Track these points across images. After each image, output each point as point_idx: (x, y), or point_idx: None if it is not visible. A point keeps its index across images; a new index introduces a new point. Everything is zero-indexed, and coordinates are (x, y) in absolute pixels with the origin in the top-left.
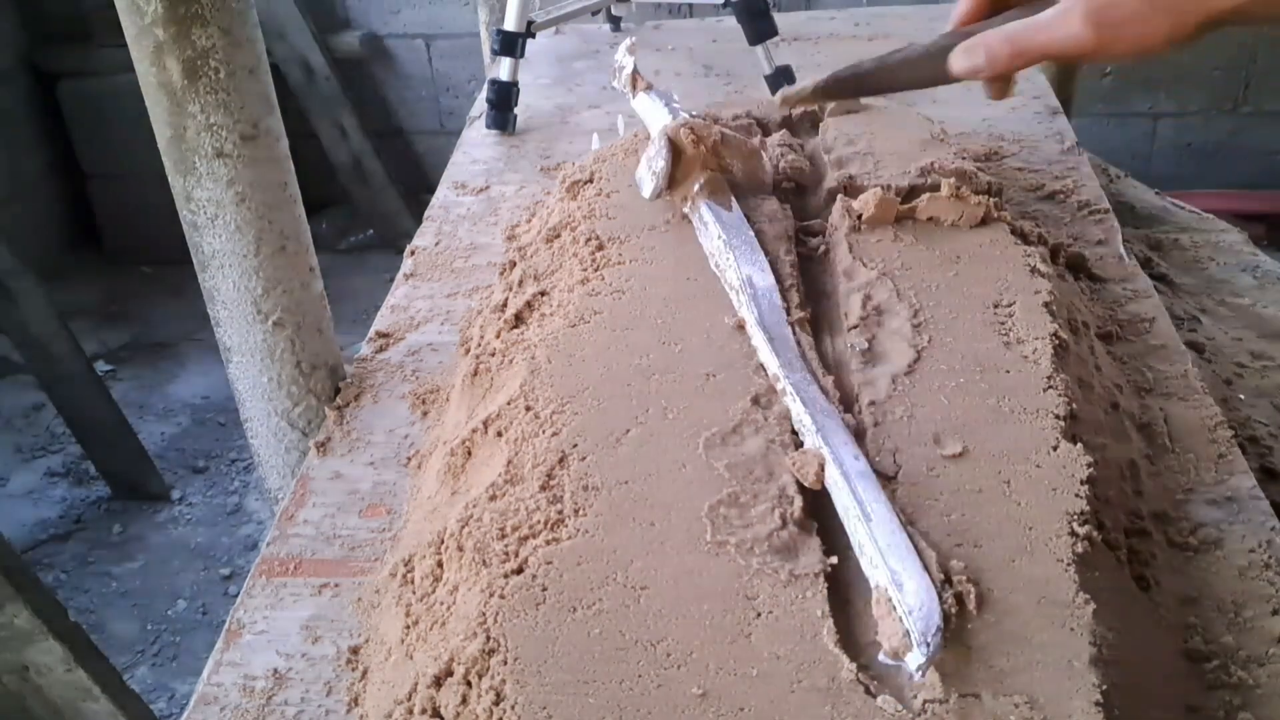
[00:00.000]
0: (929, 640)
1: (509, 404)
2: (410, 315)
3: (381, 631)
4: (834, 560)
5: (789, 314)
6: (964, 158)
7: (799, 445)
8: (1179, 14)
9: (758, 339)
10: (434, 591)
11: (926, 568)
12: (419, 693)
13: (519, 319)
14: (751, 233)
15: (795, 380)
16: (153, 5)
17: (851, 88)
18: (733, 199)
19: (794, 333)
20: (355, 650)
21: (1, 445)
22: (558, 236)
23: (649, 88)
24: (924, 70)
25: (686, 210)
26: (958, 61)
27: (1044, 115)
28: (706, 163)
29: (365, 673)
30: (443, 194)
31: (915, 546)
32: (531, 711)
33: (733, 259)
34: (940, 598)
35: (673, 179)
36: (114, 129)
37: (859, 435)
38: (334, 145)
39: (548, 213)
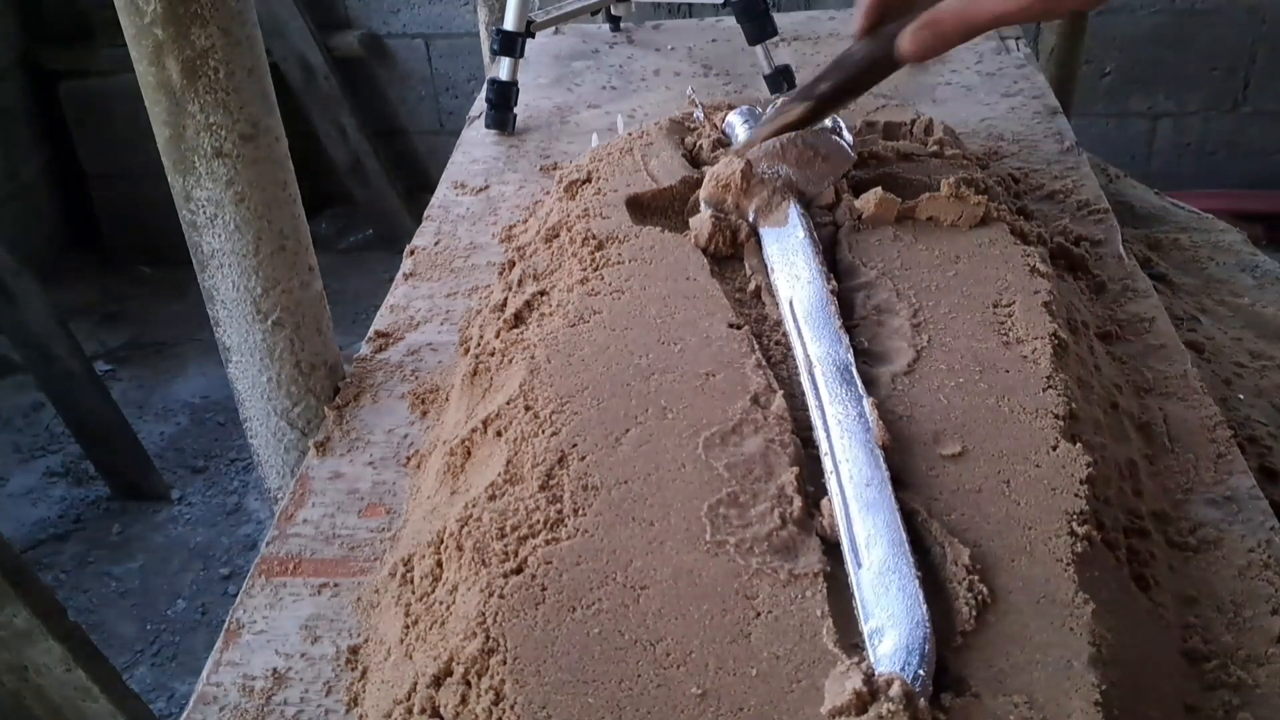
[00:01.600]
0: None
1: (508, 404)
2: (410, 315)
3: (381, 631)
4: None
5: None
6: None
7: (802, 444)
8: None
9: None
10: (433, 591)
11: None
12: (418, 692)
13: (518, 319)
14: (808, 248)
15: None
16: (152, 5)
17: (823, 110)
18: (790, 210)
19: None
20: (355, 650)
21: (1, 445)
22: (556, 236)
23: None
24: (876, 70)
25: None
26: (908, 44)
27: (1043, 115)
28: (751, 193)
29: (365, 672)
30: (442, 194)
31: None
32: (531, 711)
33: (797, 331)
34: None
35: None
36: (114, 129)
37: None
38: (334, 145)
39: (546, 212)
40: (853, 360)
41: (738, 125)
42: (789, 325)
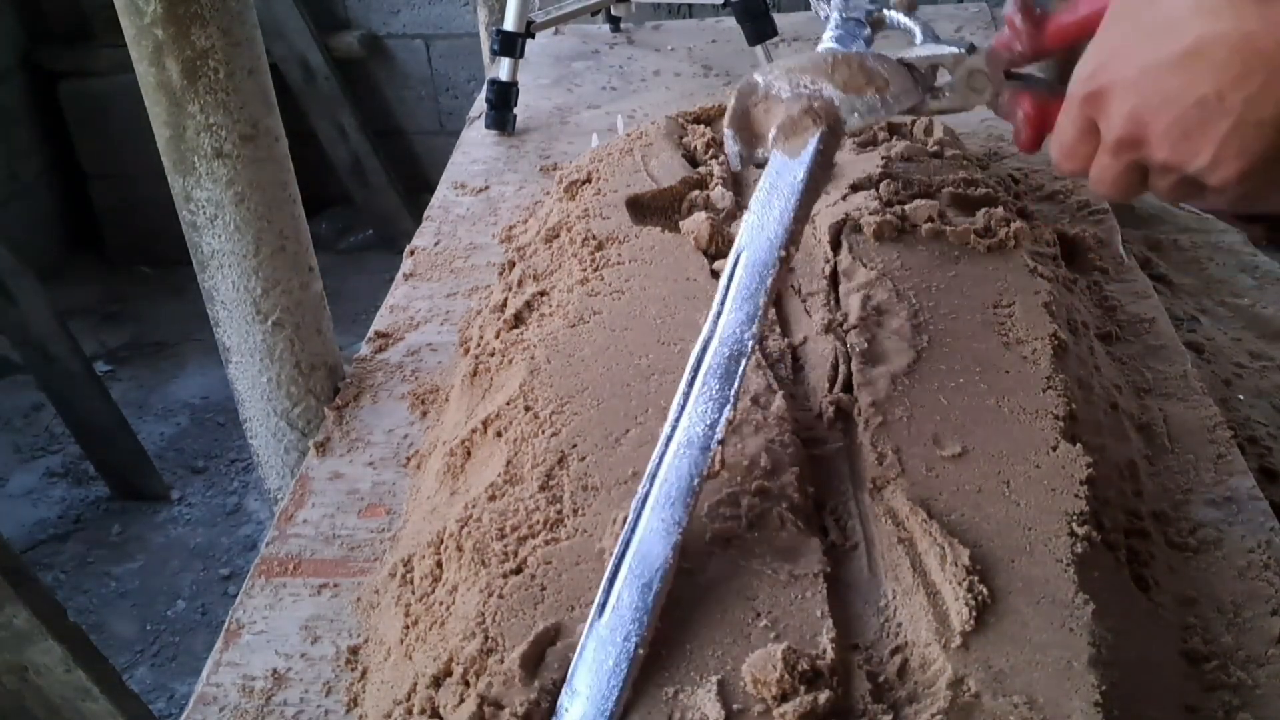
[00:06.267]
0: None
1: (508, 404)
2: (409, 315)
3: (381, 631)
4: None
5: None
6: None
7: (801, 445)
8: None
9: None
10: (433, 591)
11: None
12: (418, 693)
13: (518, 319)
14: (795, 197)
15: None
16: (152, 5)
17: None
18: (810, 140)
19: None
20: (354, 650)
21: (1, 445)
22: (556, 236)
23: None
24: None
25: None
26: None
27: None
28: (773, 110)
29: (364, 673)
30: (442, 194)
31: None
32: None
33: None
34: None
35: (753, 135)
36: (114, 129)
37: (854, 447)
38: (334, 145)
39: (546, 213)
40: (751, 350)
41: (836, 8)
42: (722, 281)
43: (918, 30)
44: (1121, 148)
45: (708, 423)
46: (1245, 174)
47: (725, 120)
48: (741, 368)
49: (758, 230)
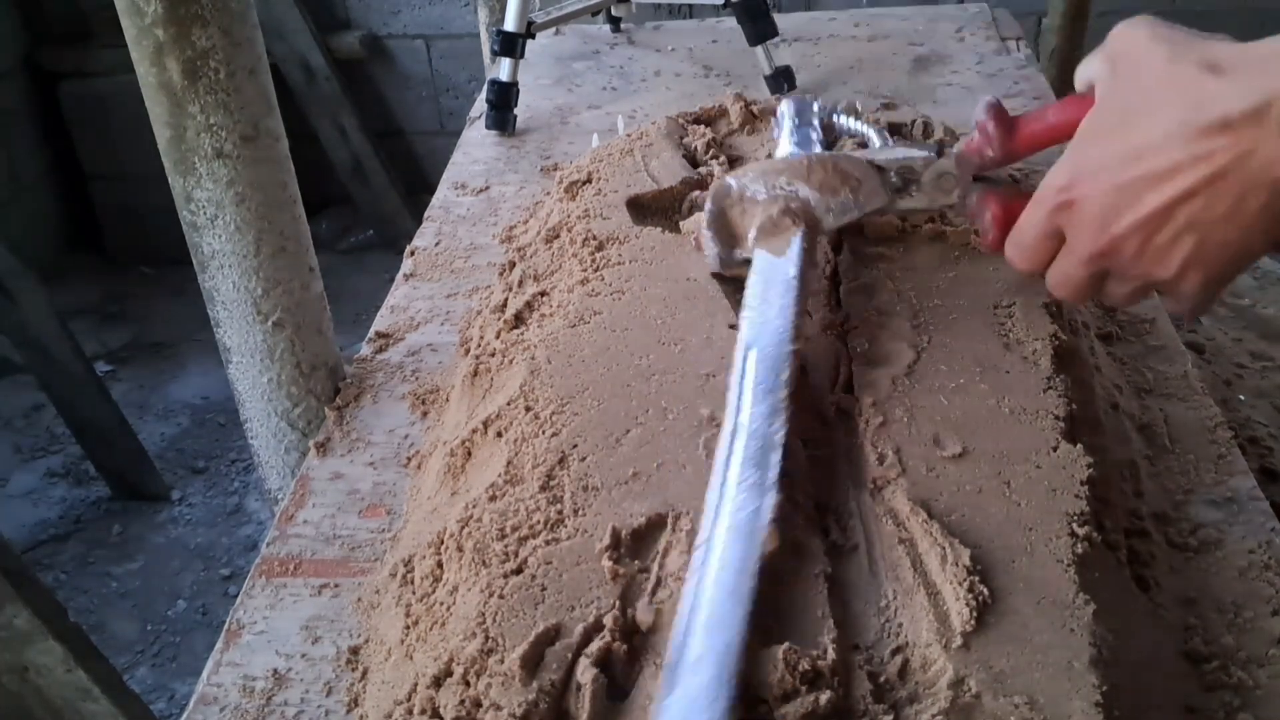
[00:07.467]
0: None
1: (509, 404)
2: (410, 315)
3: (381, 632)
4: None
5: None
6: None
7: (801, 445)
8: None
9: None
10: (434, 592)
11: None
12: (418, 693)
13: (519, 319)
14: (792, 292)
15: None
16: (153, 6)
17: None
18: (793, 239)
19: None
20: (355, 650)
21: (1, 445)
22: (557, 237)
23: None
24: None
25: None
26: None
27: None
28: (750, 210)
29: (365, 673)
30: (443, 194)
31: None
32: None
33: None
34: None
35: (731, 236)
36: (114, 129)
37: (854, 447)
38: (334, 145)
39: (546, 213)
40: (782, 442)
41: (788, 118)
42: (735, 377)
43: (872, 135)
44: (1094, 260)
45: (753, 508)
46: (1206, 283)
47: (704, 222)
48: (773, 460)
49: (761, 324)
